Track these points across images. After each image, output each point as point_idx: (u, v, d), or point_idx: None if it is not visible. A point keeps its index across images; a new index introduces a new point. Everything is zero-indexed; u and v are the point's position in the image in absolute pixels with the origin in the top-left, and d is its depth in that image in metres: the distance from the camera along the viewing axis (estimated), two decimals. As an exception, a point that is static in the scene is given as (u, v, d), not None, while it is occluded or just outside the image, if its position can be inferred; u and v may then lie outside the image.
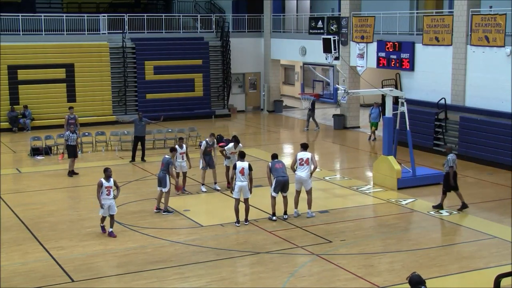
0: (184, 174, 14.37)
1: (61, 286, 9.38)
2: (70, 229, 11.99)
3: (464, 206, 12.83)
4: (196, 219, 12.53)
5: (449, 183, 12.78)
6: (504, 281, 7.39)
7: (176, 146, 14.25)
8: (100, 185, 11.19)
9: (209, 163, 14.48)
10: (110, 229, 11.41)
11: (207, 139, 14.62)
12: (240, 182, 11.83)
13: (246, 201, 11.97)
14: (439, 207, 12.95)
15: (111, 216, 11.40)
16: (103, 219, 11.55)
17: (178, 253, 10.66)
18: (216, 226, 12.06)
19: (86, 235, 11.64)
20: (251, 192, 12.04)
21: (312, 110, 23.07)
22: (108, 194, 11.24)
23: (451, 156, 12.75)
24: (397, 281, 9.37)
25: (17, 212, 13.06)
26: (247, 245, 11.00)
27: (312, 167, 12.55)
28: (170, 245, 11.01)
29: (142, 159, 17.88)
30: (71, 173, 16.28)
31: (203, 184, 14.56)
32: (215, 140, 14.92)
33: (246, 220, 12.09)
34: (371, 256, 10.50)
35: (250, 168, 11.93)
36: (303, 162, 12.45)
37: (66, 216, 12.88)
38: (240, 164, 11.96)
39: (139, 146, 17.93)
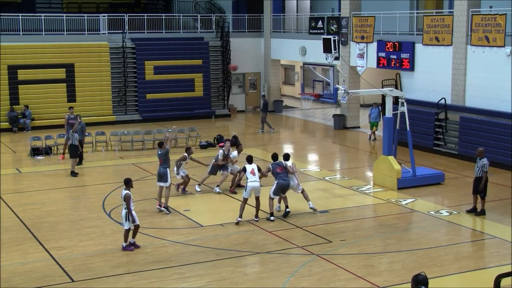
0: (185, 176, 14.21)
1: (61, 286, 9.38)
2: (70, 229, 11.99)
3: (482, 212, 12.59)
4: (196, 219, 12.53)
5: (480, 187, 12.45)
6: (504, 281, 7.39)
7: (185, 155, 13.91)
8: (130, 198, 10.56)
9: (222, 168, 14.29)
10: (133, 240, 10.80)
11: (223, 149, 14.34)
12: (252, 183, 12.01)
13: (257, 198, 12.17)
14: (473, 210, 12.65)
15: (137, 227, 10.78)
16: (127, 233, 10.72)
17: (178, 253, 10.66)
18: (216, 226, 12.06)
19: (86, 235, 11.64)
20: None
21: (264, 111, 22.94)
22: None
23: (486, 161, 12.48)
24: (397, 281, 9.36)
25: (17, 212, 13.06)
26: (247, 245, 11.00)
27: (296, 175, 12.69)
28: (170, 245, 11.01)
29: (80, 162, 16.99)
30: (73, 173, 16.27)
31: (199, 184, 14.51)
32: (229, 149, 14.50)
33: (257, 216, 12.21)
34: (371, 256, 10.50)
35: (258, 169, 12.27)
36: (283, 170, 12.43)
37: (66, 216, 12.87)
38: (249, 166, 12.22)
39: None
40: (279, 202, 12.81)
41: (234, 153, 14.55)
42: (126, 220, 10.64)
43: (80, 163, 17.08)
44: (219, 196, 14.27)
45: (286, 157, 12.87)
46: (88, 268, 9.99)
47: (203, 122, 24.79)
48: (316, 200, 13.80)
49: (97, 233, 11.69)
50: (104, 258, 10.40)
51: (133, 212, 10.66)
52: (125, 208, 10.62)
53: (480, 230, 12.08)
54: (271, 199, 12.40)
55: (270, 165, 12.55)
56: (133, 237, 10.79)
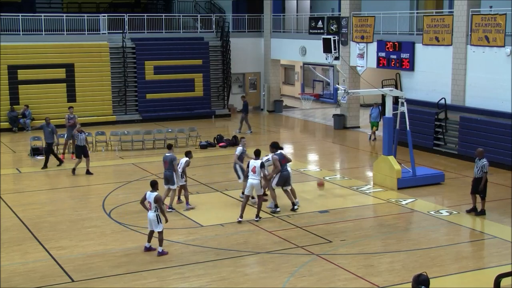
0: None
1: (61, 286, 9.38)
2: (70, 229, 11.99)
3: (482, 212, 12.54)
4: (196, 219, 12.53)
5: (480, 187, 12.36)
6: (504, 281, 7.39)
7: (189, 160, 13.34)
8: (161, 199, 10.49)
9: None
10: (148, 244, 10.61)
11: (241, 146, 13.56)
12: (252, 180, 12.04)
13: (259, 197, 12.20)
14: (473, 210, 12.55)
15: (161, 232, 10.51)
16: (162, 236, 10.51)
17: (178, 253, 10.66)
18: (216, 226, 12.07)
19: (86, 235, 11.64)
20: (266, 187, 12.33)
21: (244, 112, 22.79)
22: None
23: (486, 162, 12.39)
24: (397, 281, 9.37)
25: (17, 212, 13.06)
26: (247, 245, 11.00)
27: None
28: (170, 245, 11.01)
29: (60, 163, 16.97)
30: (88, 172, 16.21)
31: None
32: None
33: (257, 216, 12.18)
34: (371, 256, 10.50)
35: (262, 165, 12.09)
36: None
37: (66, 216, 12.86)
38: (252, 163, 12.17)
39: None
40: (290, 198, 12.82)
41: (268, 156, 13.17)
42: (159, 223, 10.34)
43: (46, 165, 16.90)
44: (219, 196, 14.25)
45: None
46: (88, 268, 9.99)
47: (203, 122, 24.78)
48: (316, 200, 13.81)
49: (97, 233, 11.69)
50: (104, 258, 10.40)
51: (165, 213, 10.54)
52: (155, 211, 10.34)
53: (480, 230, 12.07)
54: (273, 190, 12.58)
55: (276, 156, 12.51)
56: (149, 241, 10.57)
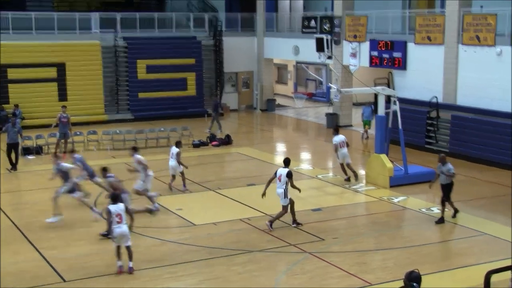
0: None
1: (52, 286, 9.33)
2: (62, 228, 11.92)
3: (456, 211, 12.30)
4: (189, 218, 12.51)
5: (449, 193, 12.01)
6: (494, 277, 7.43)
7: (179, 150, 14.46)
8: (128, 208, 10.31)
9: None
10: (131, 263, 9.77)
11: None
12: (277, 189, 11.61)
13: (283, 207, 11.61)
14: (442, 221, 12.08)
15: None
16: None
17: (170, 252, 10.63)
18: (209, 225, 12.05)
19: (78, 234, 11.59)
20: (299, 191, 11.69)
21: (215, 112, 22.58)
22: None
23: (451, 166, 11.97)
24: (389, 278, 9.40)
25: (7, 212, 12.97)
26: (240, 244, 10.99)
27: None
28: (163, 244, 10.98)
29: (15, 167, 16.57)
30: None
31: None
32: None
33: (294, 221, 11.74)
34: (364, 254, 10.54)
35: (288, 175, 11.48)
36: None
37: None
38: (279, 171, 11.68)
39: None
40: None
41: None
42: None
43: (14, 167, 16.64)
44: (212, 195, 14.22)
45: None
46: (81, 267, 9.95)
47: (196, 121, 24.70)
48: (309, 198, 13.83)
49: (90, 233, 11.63)
50: (96, 258, 10.36)
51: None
52: (127, 224, 9.75)
53: (471, 227, 12.14)
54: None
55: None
56: (120, 259, 9.67)
